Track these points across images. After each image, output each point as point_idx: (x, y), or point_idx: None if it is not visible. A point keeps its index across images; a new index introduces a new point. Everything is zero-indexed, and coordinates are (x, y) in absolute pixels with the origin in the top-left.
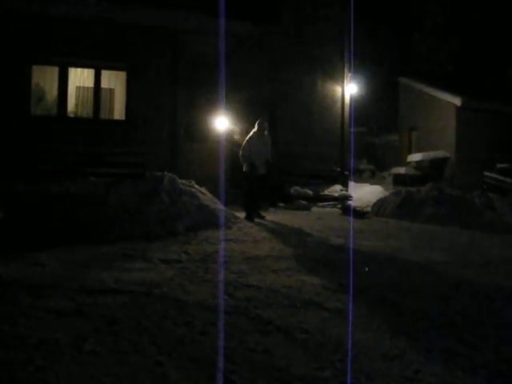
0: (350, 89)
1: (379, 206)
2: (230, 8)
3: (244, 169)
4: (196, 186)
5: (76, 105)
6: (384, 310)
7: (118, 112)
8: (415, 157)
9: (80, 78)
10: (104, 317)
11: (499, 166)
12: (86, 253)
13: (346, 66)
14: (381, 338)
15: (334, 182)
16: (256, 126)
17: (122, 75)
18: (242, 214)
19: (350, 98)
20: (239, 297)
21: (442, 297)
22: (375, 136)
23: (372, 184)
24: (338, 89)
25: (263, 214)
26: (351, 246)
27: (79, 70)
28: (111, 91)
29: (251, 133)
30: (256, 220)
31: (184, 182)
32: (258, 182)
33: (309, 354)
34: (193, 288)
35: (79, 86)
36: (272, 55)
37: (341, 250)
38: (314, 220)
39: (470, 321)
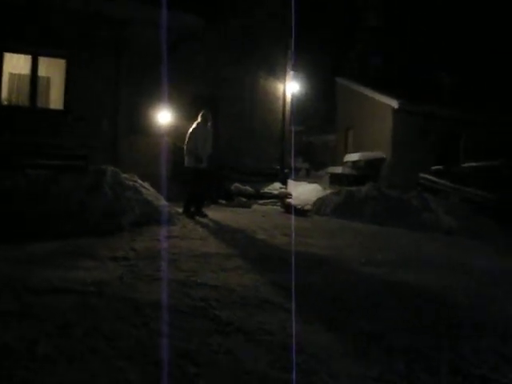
0: (291, 87)
1: (320, 205)
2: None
3: (186, 163)
4: (139, 181)
5: (10, 92)
6: (340, 309)
7: (57, 102)
8: (352, 157)
9: (16, 64)
10: (55, 319)
11: (434, 167)
12: (28, 250)
13: (288, 63)
14: (341, 336)
15: (273, 179)
16: (199, 117)
17: (61, 63)
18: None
19: (292, 96)
20: (194, 296)
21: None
22: (312, 135)
23: (308, 182)
24: (280, 86)
25: (205, 211)
26: (295, 244)
27: (15, 55)
28: (48, 79)
29: (194, 124)
30: (197, 218)
31: (127, 176)
32: (201, 176)
33: (272, 355)
34: (145, 287)
35: (14, 73)
36: (215, 50)
37: (288, 248)
38: (257, 218)
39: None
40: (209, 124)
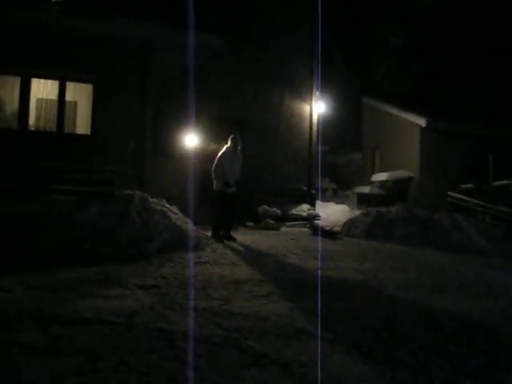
0: (317, 107)
1: (349, 226)
2: (200, 21)
3: (215, 187)
4: (167, 205)
5: (38, 118)
6: (378, 338)
7: (83, 127)
8: (380, 176)
9: (43, 89)
10: (83, 352)
11: (463, 186)
12: (54, 278)
13: (314, 84)
14: (382, 369)
15: (301, 200)
16: (229, 141)
17: (88, 88)
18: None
19: (318, 117)
20: (227, 326)
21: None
22: (337, 155)
23: (336, 203)
24: (306, 107)
25: (234, 235)
26: (327, 269)
27: (42, 81)
28: (75, 104)
29: (224, 148)
30: (226, 242)
31: (155, 200)
32: (229, 200)
33: None
34: (176, 317)
35: (41, 98)
36: (240, 71)
37: (322, 273)
38: (286, 241)
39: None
40: (238, 148)
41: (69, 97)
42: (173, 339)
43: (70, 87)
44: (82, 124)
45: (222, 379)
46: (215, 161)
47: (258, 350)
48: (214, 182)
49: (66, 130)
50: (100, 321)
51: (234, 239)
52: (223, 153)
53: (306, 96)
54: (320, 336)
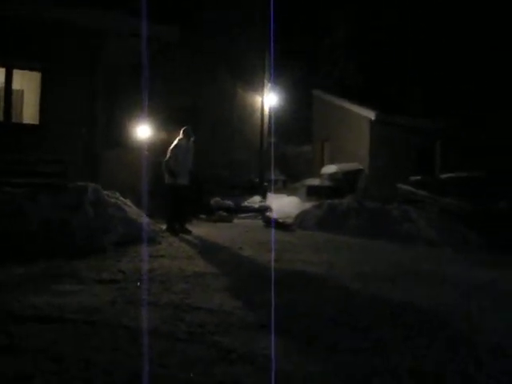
0: (269, 99)
1: (302, 218)
2: (153, 10)
3: (167, 180)
4: (121, 198)
5: None
6: (338, 331)
7: (31, 116)
8: (329, 168)
9: None
10: (44, 351)
11: (412, 178)
12: (5, 273)
13: (266, 75)
14: (341, 361)
15: (253, 192)
16: (182, 133)
17: (36, 76)
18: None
19: (270, 109)
20: (191, 321)
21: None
22: (287, 147)
23: (286, 195)
24: (258, 98)
25: (189, 228)
26: (283, 261)
27: None
28: (22, 92)
29: (177, 140)
30: (182, 235)
31: (108, 193)
32: (182, 192)
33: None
34: (138, 313)
35: None
36: (193, 61)
37: (276, 265)
38: (240, 233)
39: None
40: (191, 140)
41: (16, 85)
42: (137, 336)
43: (17, 75)
44: (30, 113)
45: (190, 376)
46: (168, 153)
47: (225, 345)
48: (166, 175)
49: (14, 120)
50: (59, 319)
51: (189, 232)
52: (175, 145)
53: (258, 87)
54: (281, 330)
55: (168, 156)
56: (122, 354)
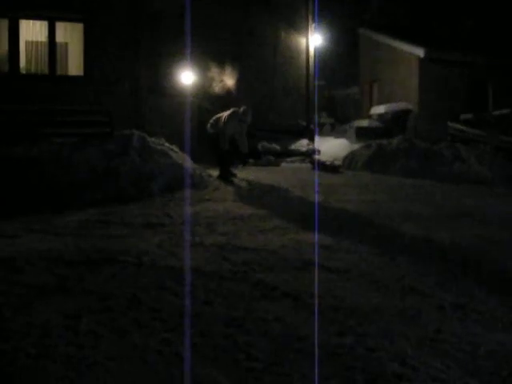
0: (314, 40)
1: (350, 160)
2: None
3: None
4: (167, 144)
5: (29, 61)
6: (385, 264)
7: (76, 68)
8: (378, 109)
9: (32, 31)
10: (93, 292)
11: (463, 116)
12: (57, 220)
13: (310, 16)
14: (392, 296)
15: (300, 136)
16: (242, 112)
17: (79, 27)
18: (214, 172)
19: (315, 50)
20: (236, 261)
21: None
22: (334, 89)
23: (334, 137)
24: (302, 40)
25: (234, 171)
26: (331, 201)
27: (31, 22)
28: (66, 45)
29: (232, 115)
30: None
31: (154, 140)
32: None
33: (325, 319)
34: (184, 254)
35: (31, 41)
36: (233, 7)
37: (324, 205)
38: (287, 176)
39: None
40: (247, 121)
41: (59, 38)
42: (182, 276)
43: (60, 28)
44: (75, 65)
45: (234, 313)
46: (222, 118)
47: (268, 283)
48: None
49: (59, 72)
50: (108, 260)
51: (234, 175)
52: (229, 119)
53: (302, 29)
54: (327, 267)
55: (222, 120)
56: (168, 293)
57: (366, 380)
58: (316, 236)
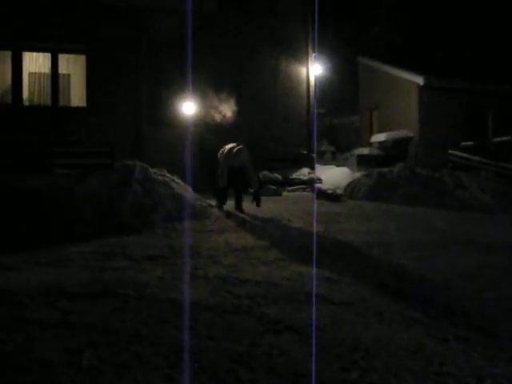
0: (314, 69)
1: (352, 188)
2: None
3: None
4: (168, 175)
5: (32, 92)
6: (387, 297)
7: (78, 99)
8: (378, 137)
9: (35, 63)
10: (95, 326)
11: (464, 144)
12: (58, 252)
13: (310, 45)
14: (397, 329)
15: (301, 164)
16: (236, 151)
17: (81, 59)
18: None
19: (315, 79)
20: (239, 294)
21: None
22: (335, 117)
23: (336, 166)
24: (303, 69)
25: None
26: (333, 232)
27: (34, 54)
28: (69, 76)
29: (229, 154)
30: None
31: (156, 170)
32: (234, 173)
33: (328, 354)
34: (186, 287)
35: (34, 72)
36: (235, 35)
37: (326, 235)
38: (289, 205)
39: None
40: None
41: (62, 69)
42: (185, 309)
43: (63, 59)
44: (77, 96)
45: (238, 347)
46: (223, 152)
47: (271, 317)
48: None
49: (61, 103)
50: (109, 294)
51: (243, 212)
52: (226, 156)
53: (303, 58)
54: (331, 300)
55: (222, 154)
56: (170, 327)
57: None
58: (318, 269)
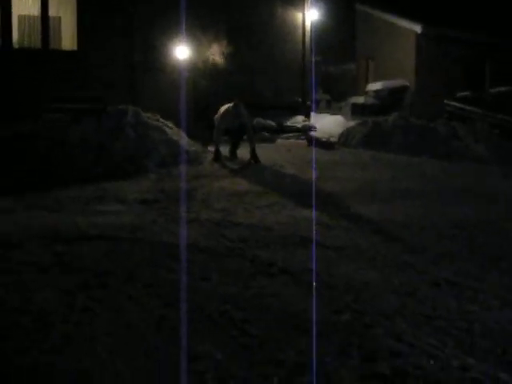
0: (310, 15)
1: (346, 137)
2: None
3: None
4: (162, 120)
5: (21, 35)
6: (381, 243)
7: (69, 42)
8: (374, 86)
9: (25, 5)
10: (89, 268)
11: (460, 94)
12: (52, 197)
13: None
14: (389, 274)
15: (295, 112)
16: (232, 107)
17: (72, 1)
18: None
19: (311, 25)
20: (232, 237)
21: None
22: (331, 65)
23: (330, 114)
24: (299, 15)
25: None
26: (326, 178)
27: None
28: (59, 19)
29: (225, 113)
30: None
31: (149, 115)
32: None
33: (321, 296)
34: (179, 230)
35: (24, 15)
36: None
37: (320, 182)
38: (283, 152)
39: None
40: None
41: (52, 12)
42: (177, 252)
43: (53, 1)
44: (68, 40)
45: (231, 289)
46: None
47: (264, 259)
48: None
49: (52, 46)
50: (103, 237)
51: (237, 158)
52: (222, 115)
53: (298, 3)
54: (324, 244)
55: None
56: (164, 270)
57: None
58: (313, 213)
